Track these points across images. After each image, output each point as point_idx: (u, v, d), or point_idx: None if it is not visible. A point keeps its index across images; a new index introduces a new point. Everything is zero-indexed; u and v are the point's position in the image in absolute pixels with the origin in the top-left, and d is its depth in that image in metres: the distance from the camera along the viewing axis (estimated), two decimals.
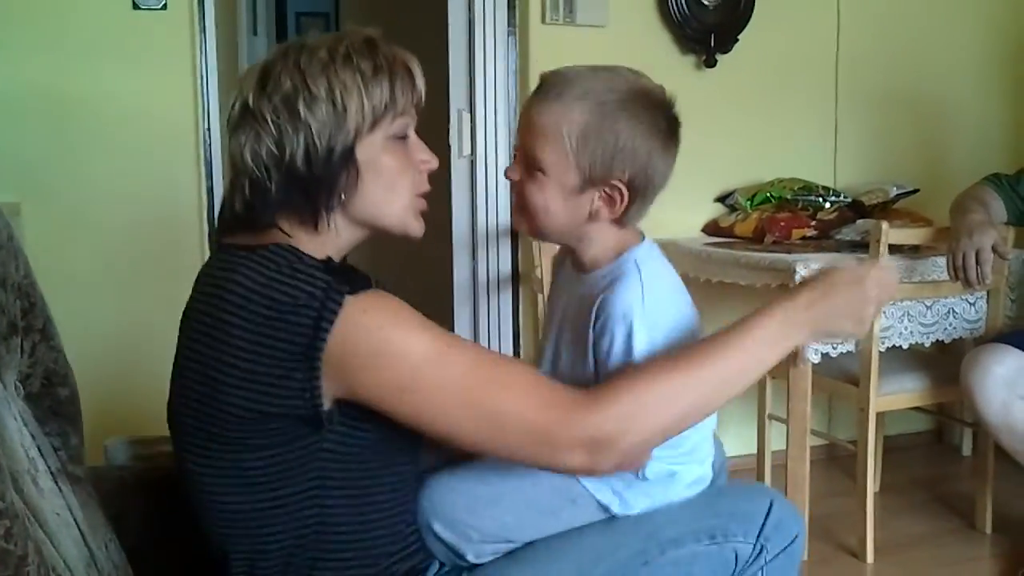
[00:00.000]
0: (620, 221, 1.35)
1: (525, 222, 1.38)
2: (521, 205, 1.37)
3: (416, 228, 1.36)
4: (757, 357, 1.28)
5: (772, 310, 1.28)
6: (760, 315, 1.28)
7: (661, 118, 1.33)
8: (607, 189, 1.31)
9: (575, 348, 1.38)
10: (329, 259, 1.28)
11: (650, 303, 1.30)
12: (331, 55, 1.26)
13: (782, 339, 1.28)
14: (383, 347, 1.19)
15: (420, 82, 1.33)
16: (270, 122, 1.25)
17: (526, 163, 1.34)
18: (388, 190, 1.31)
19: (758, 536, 1.39)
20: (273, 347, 1.18)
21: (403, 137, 1.32)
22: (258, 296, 1.20)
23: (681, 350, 1.29)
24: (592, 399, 1.22)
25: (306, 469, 1.25)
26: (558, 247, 1.49)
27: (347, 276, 1.24)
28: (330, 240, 1.31)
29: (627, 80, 1.33)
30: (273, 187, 1.26)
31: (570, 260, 1.44)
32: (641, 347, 1.28)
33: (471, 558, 1.35)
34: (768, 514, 1.40)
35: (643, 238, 1.40)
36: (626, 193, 1.31)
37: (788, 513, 1.44)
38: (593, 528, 1.36)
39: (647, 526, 1.37)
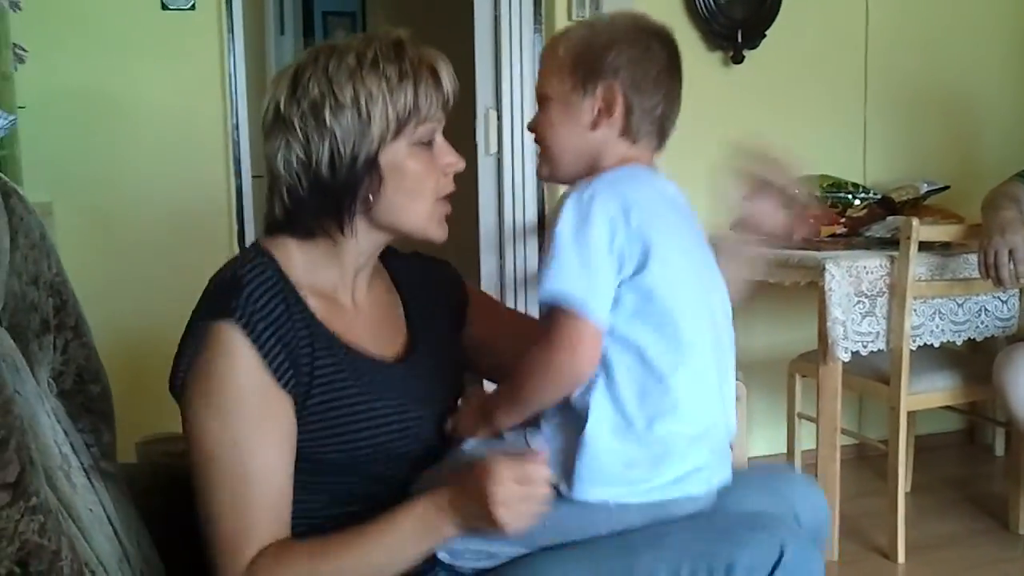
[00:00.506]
0: (627, 132, 1.36)
1: (544, 162, 1.41)
2: (538, 140, 1.41)
3: (438, 233, 1.38)
4: (398, 552, 1.26)
5: (414, 505, 1.26)
6: (404, 510, 1.26)
7: (652, 38, 1.39)
8: (601, 92, 1.35)
9: None
10: (238, 277, 1.29)
11: (594, 186, 1.29)
12: (359, 61, 1.28)
13: (425, 535, 1.26)
14: (201, 392, 1.26)
15: (448, 84, 1.34)
16: (298, 129, 1.28)
17: (540, 105, 1.40)
18: (411, 195, 1.33)
19: None
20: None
21: (428, 142, 1.34)
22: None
23: (325, 540, 1.27)
24: (250, 561, 1.24)
25: None
26: None
27: (225, 294, 1.27)
28: (352, 245, 1.35)
29: (620, 14, 1.43)
30: (305, 194, 1.30)
31: None
32: (565, 219, 1.26)
33: (442, 556, 1.32)
34: (776, 566, 1.23)
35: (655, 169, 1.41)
36: (619, 94, 1.34)
37: (803, 562, 1.25)
38: (580, 565, 1.28)
39: (636, 572, 1.27)
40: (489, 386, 1.51)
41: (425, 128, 1.32)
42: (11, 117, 2.19)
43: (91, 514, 1.20)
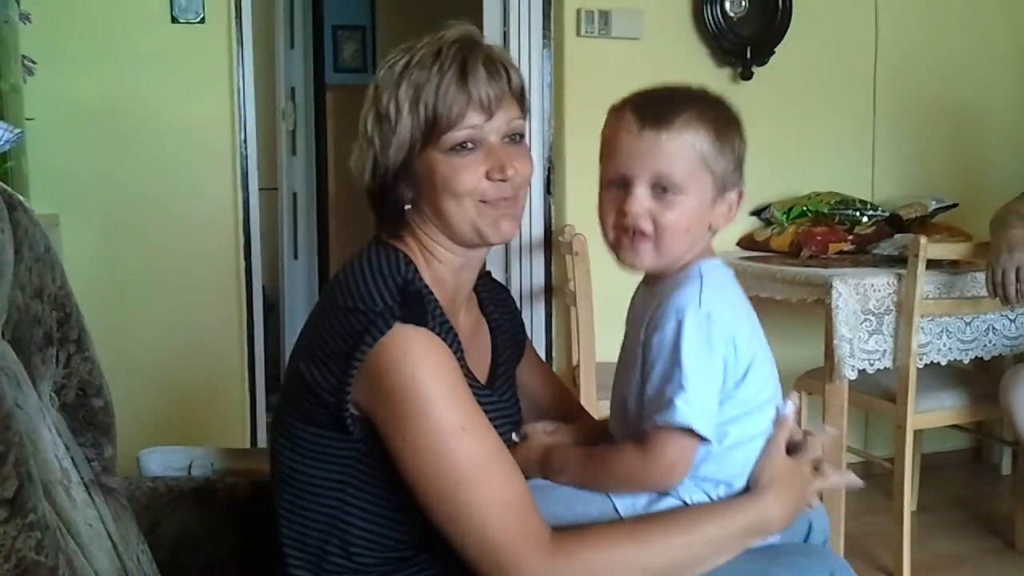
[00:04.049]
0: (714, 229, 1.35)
1: (653, 252, 1.30)
2: (652, 231, 1.29)
3: (492, 236, 1.34)
4: (724, 549, 1.26)
5: (747, 510, 1.27)
6: (740, 508, 1.27)
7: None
8: (733, 197, 1.32)
9: (626, 359, 1.34)
10: (411, 282, 1.28)
11: (707, 301, 1.25)
12: (405, 66, 1.29)
13: (748, 539, 1.27)
14: (406, 394, 1.20)
15: (478, 88, 1.28)
16: (358, 138, 1.34)
17: (654, 190, 1.28)
18: (444, 200, 1.31)
19: None
20: (331, 334, 1.26)
21: (467, 146, 1.29)
22: (344, 284, 1.29)
23: (656, 519, 1.26)
24: (554, 548, 1.19)
25: (334, 460, 1.28)
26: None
27: (416, 304, 1.25)
28: (426, 251, 1.35)
29: (712, 95, 1.35)
30: (368, 199, 1.35)
31: (643, 283, 1.41)
32: (689, 343, 1.23)
33: None
34: None
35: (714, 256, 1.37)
36: (743, 194, 1.33)
37: None
38: None
39: None
40: (541, 425, 1.47)
41: (454, 135, 1.28)
42: (18, 130, 2.19)
43: (90, 529, 1.20)
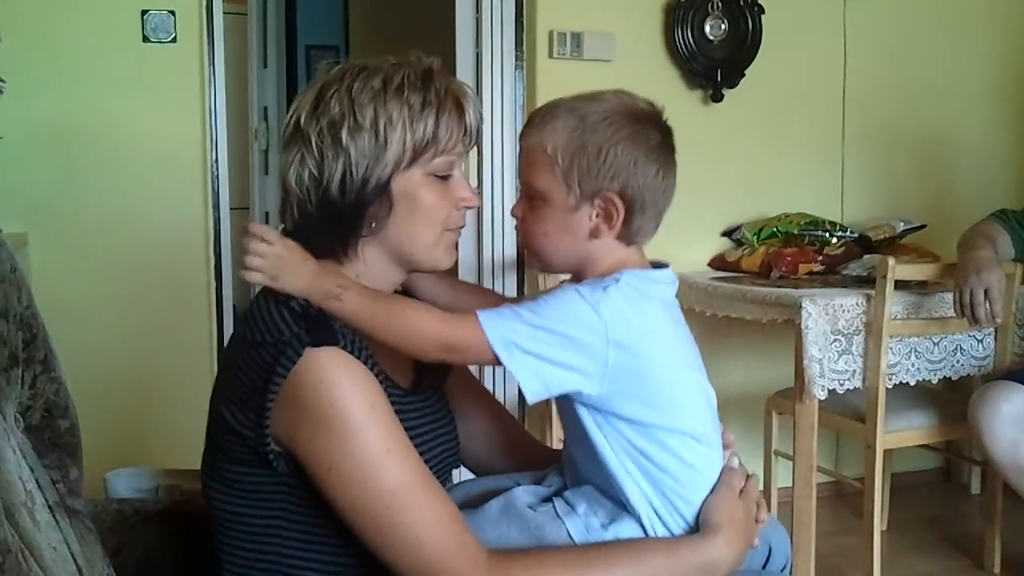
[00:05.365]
0: (624, 237, 1.30)
1: (532, 255, 1.36)
2: (525, 238, 1.35)
3: (444, 262, 1.35)
4: None
5: (696, 550, 1.25)
6: (690, 546, 1.26)
7: (649, 128, 1.29)
8: (601, 203, 1.28)
9: None
10: (310, 305, 1.24)
11: (608, 300, 1.23)
12: (385, 84, 1.27)
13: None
14: (327, 420, 1.18)
15: (472, 119, 1.32)
16: (314, 145, 1.27)
17: (527, 196, 1.33)
18: (420, 224, 1.30)
19: None
20: (244, 370, 1.24)
21: (445, 175, 1.32)
22: (251, 319, 1.26)
23: (603, 548, 1.25)
24: (491, 565, 1.19)
25: (265, 498, 1.26)
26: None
27: (322, 325, 1.22)
28: (361, 269, 1.31)
29: (610, 99, 1.31)
30: (313, 210, 1.28)
31: None
32: (558, 302, 1.22)
33: None
34: None
35: (653, 266, 1.34)
36: (620, 205, 1.27)
37: None
38: None
39: None
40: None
41: (442, 160, 1.30)
42: None
43: (54, 552, 1.18)
